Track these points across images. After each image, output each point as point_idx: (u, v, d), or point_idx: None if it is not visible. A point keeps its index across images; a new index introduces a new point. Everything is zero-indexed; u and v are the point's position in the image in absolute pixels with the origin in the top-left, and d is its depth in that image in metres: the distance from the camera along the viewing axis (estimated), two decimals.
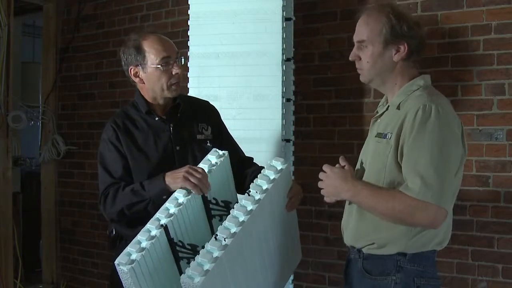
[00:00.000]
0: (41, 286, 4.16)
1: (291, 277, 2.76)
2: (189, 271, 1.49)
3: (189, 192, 1.75)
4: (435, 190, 1.55)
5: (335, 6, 2.97)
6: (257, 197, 1.71)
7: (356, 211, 1.76)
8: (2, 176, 3.50)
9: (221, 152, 1.90)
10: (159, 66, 1.97)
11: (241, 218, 1.63)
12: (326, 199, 1.77)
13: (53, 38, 4.14)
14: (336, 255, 2.96)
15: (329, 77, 2.99)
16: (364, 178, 1.74)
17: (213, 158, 1.88)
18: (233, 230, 1.60)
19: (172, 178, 1.80)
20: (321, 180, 1.76)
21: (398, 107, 1.71)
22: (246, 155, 2.23)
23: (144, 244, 1.60)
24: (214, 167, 1.85)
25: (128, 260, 1.56)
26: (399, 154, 1.64)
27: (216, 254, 1.53)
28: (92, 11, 3.98)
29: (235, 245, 1.59)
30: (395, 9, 1.73)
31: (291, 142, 2.78)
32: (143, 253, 1.58)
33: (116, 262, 1.57)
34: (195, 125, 2.10)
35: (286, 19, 2.75)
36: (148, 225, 1.65)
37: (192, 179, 1.74)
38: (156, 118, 2.05)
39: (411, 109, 1.63)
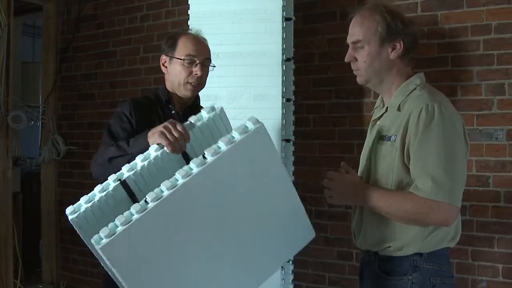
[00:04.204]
0: (41, 286, 4.16)
1: (291, 277, 2.76)
2: (102, 230, 1.35)
3: (161, 147, 1.61)
4: (446, 189, 1.57)
5: (335, 6, 2.97)
6: (209, 159, 1.44)
7: (366, 216, 1.77)
8: (2, 176, 3.51)
9: (215, 107, 1.71)
10: (183, 61, 2.04)
11: (179, 181, 1.41)
12: (332, 202, 1.77)
13: (53, 38, 4.14)
14: (336, 255, 2.96)
15: (329, 77, 3.00)
16: (371, 182, 1.74)
17: (204, 114, 1.69)
18: (164, 193, 1.39)
19: (152, 132, 1.70)
20: (327, 187, 1.75)
21: (399, 108, 1.71)
22: None
23: (95, 196, 1.52)
24: (200, 122, 1.67)
25: (73, 210, 1.50)
26: (405, 155, 1.65)
27: (134, 217, 1.36)
28: (92, 11, 3.98)
29: (161, 210, 1.38)
30: (388, 7, 1.74)
31: (291, 142, 2.77)
32: (89, 205, 1.50)
33: (66, 210, 1.52)
34: None
35: (286, 19, 2.75)
36: (109, 178, 1.55)
37: (168, 136, 1.62)
38: (173, 112, 2.08)
39: (414, 110, 1.64)
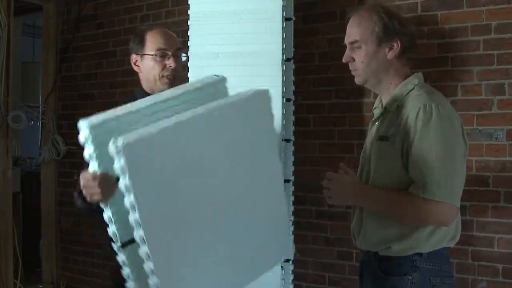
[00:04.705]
0: (41, 286, 4.16)
1: (291, 277, 2.76)
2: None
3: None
4: (446, 189, 1.58)
5: (335, 6, 2.97)
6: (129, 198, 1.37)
7: (366, 216, 1.77)
8: (2, 176, 3.51)
9: (85, 126, 1.49)
10: (155, 56, 2.01)
11: (138, 233, 1.39)
12: (331, 202, 1.77)
13: (53, 38, 4.14)
14: (336, 255, 2.96)
15: (329, 77, 2.99)
16: (371, 182, 1.74)
17: (87, 141, 1.50)
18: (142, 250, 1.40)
19: (86, 197, 1.60)
20: (326, 188, 1.74)
21: (397, 109, 1.71)
22: None
23: (126, 273, 1.56)
24: (95, 153, 1.50)
25: None
26: (404, 155, 1.65)
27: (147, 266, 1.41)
28: (92, 11, 3.98)
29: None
30: (385, 8, 1.75)
31: (291, 142, 2.77)
32: (131, 283, 1.55)
33: None
34: None
35: (286, 19, 2.75)
36: (114, 250, 1.56)
37: (97, 196, 1.54)
38: None
39: (412, 110, 1.64)
